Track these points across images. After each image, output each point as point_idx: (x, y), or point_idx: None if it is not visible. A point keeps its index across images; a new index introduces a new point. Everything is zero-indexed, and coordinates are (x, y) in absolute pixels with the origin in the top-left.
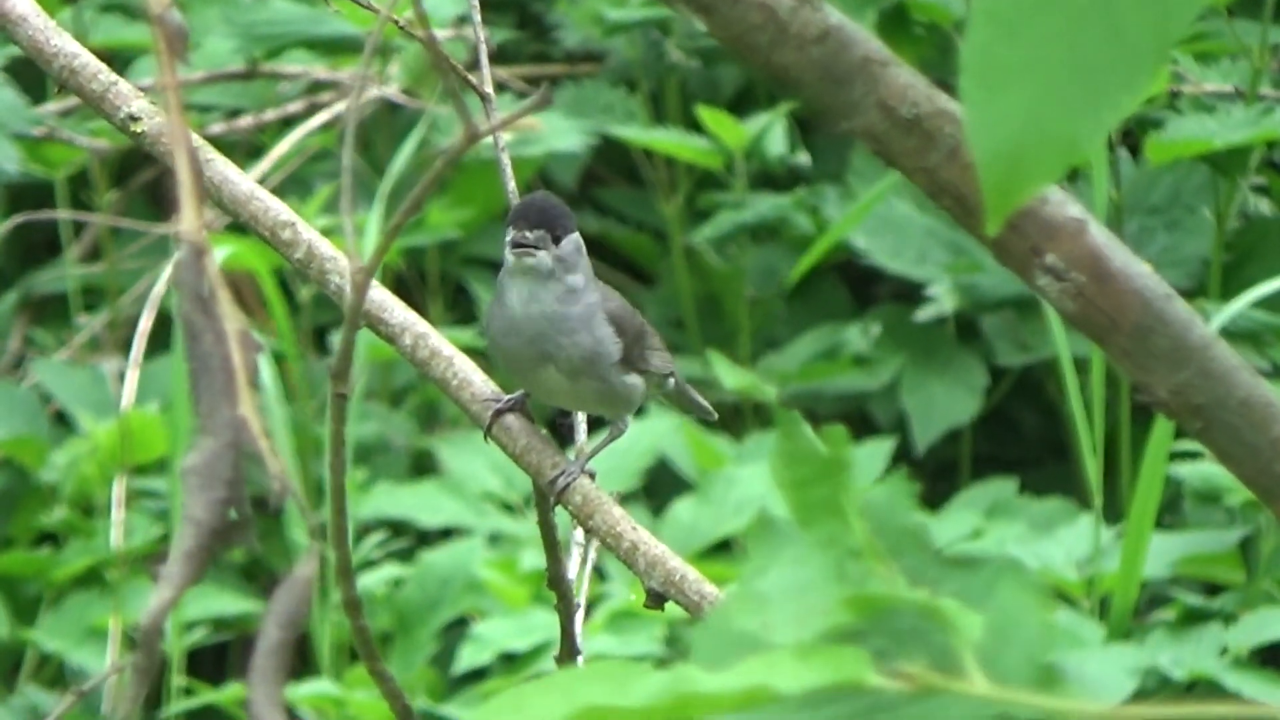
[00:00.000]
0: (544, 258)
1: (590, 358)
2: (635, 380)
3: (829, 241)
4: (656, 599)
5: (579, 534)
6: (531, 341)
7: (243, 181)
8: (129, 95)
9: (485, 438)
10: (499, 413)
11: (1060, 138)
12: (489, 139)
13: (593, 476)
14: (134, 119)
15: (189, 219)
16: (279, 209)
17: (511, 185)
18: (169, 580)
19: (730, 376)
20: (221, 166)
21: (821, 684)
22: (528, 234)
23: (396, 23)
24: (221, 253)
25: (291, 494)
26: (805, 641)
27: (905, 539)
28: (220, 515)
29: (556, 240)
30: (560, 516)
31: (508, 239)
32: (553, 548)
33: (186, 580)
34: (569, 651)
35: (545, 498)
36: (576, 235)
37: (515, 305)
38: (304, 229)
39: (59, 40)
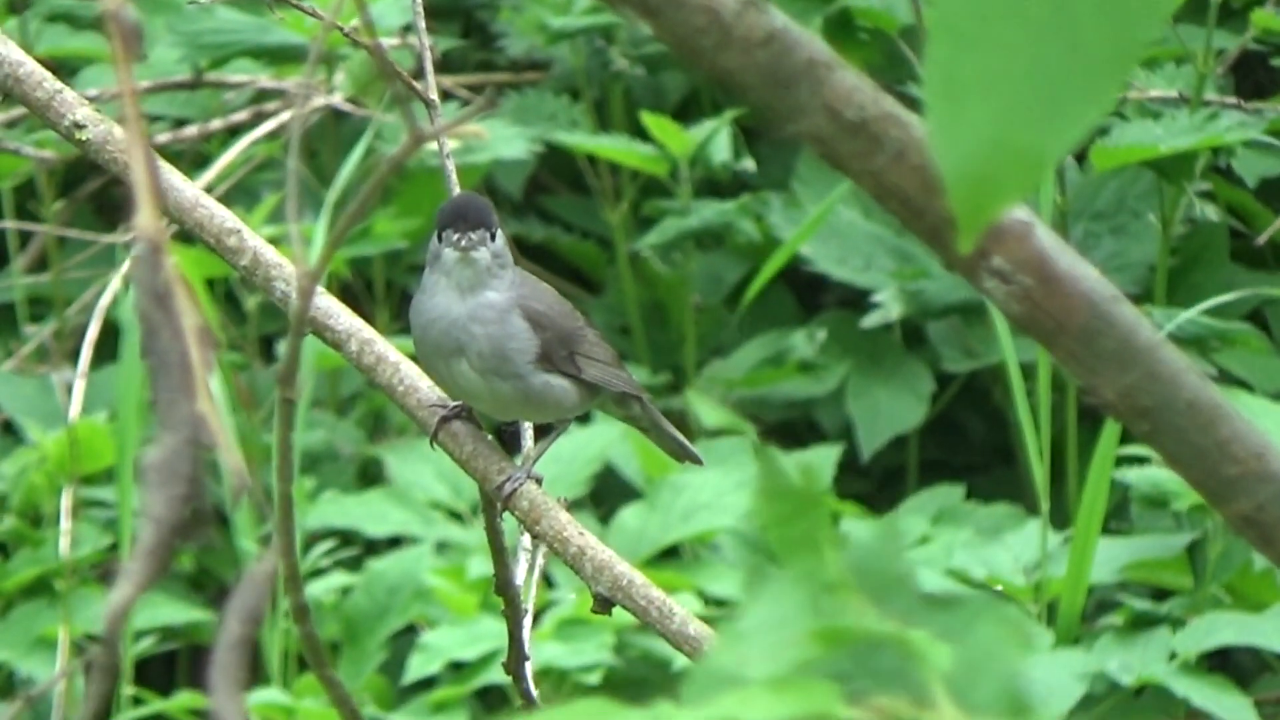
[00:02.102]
0: (485, 254)
1: (500, 351)
2: (561, 383)
3: (782, 258)
4: (604, 604)
5: (526, 540)
6: (447, 331)
7: (187, 188)
8: (74, 103)
9: (431, 443)
10: (445, 419)
11: (1027, 151)
12: (433, 146)
13: (539, 482)
14: (79, 127)
15: (146, 216)
16: (224, 216)
17: (456, 192)
18: (130, 577)
19: (711, 415)
20: (166, 174)
21: (792, 717)
22: (471, 235)
23: (342, 30)
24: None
25: (248, 490)
26: (777, 675)
27: (890, 581)
28: (180, 511)
29: (492, 237)
30: (508, 523)
31: (451, 239)
32: (500, 554)
33: (148, 577)
34: (517, 658)
35: (492, 504)
36: (500, 232)
37: (445, 299)
38: (249, 236)
39: (3, 49)
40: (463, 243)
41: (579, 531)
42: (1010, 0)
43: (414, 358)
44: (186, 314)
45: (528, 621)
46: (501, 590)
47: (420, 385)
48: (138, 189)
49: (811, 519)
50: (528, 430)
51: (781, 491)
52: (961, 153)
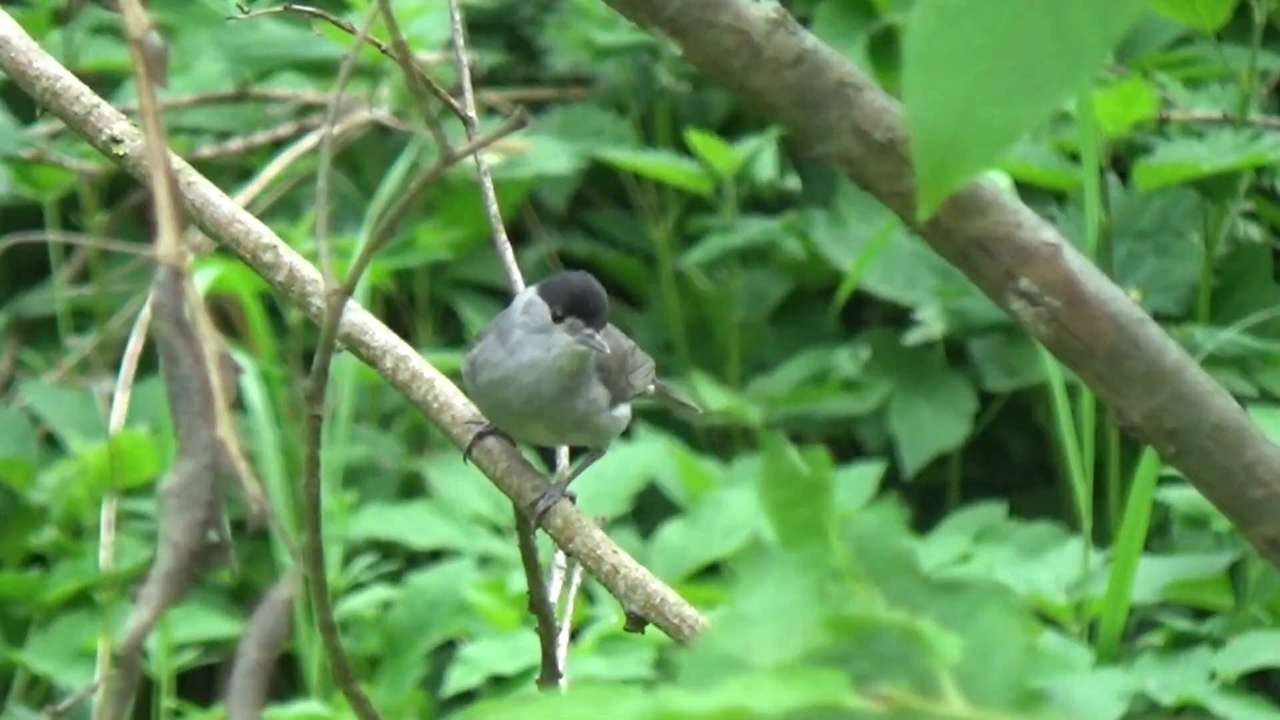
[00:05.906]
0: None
1: (580, 420)
2: (622, 412)
3: (849, 287)
4: (636, 622)
5: (561, 557)
6: (529, 400)
7: (224, 204)
8: (111, 118)
9: (465, 460)
10: (480, 435)
11: (997, 126)
12: (472, 161)
13: (573, 499)
14: (116, 141)
15: (168, 241)
16: (261, 231)
17: (494, 208)
18: (147, 602)
19: (715, 398)
20: (204, 189)
21: (799, 705)
22: (599, 338)
23: (378, 45)
24: (205, 275)
25: (270, 516)
26: (785, 663)
27: (892, 563)
28: (198, 537)
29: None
30: (543, 539)
31: (580, 329)
32: (534, 571)
33: (165, 602)
34: (550, 674)
35: (526, 520)
36: None
37: (526, 369)
38: (285, 252)
39: (42, 62)
40: (593, 340)
41: (612, 550)
42: None
43: (450, 374)
44: (207, 339)
45: (563, 638)
46: (536, 607)
47: (455, 402)
48: (160, 213)
49: (816, 505)
50: (563, 447)
51: (786, 477)
52: (933, 123)
